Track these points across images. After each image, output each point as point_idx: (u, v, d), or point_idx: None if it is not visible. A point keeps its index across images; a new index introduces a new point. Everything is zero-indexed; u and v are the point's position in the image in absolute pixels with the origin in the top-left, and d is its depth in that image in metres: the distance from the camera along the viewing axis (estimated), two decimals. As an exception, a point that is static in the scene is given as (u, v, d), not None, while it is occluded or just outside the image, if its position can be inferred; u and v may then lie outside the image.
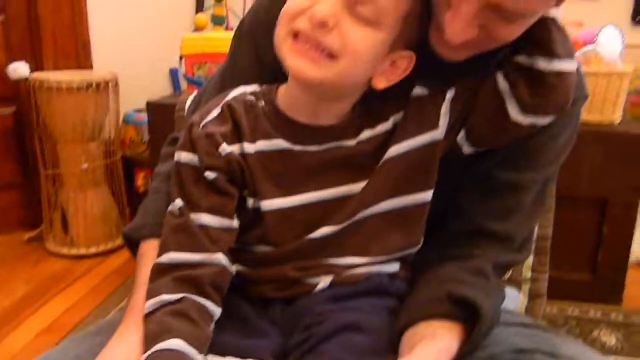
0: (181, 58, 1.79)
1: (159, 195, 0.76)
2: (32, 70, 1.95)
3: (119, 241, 2.07)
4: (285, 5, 0.63)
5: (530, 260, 1.24)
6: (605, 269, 1.61)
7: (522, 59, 0.65)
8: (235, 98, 0.71)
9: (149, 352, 0.59)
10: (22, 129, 2.11)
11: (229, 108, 0.69)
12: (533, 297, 1.25)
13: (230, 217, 0.67)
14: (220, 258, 0.66)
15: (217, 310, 0.66)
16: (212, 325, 0.65)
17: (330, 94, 0.67)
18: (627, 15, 2.01)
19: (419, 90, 0.70)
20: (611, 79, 1.46)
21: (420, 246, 0.72)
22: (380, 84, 0.67)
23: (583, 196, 1.52)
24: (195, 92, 1.55)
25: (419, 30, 0.66)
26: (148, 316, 0.63)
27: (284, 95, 0.70)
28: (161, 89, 2.33)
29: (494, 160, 0.74)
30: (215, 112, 0.70)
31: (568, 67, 0.64)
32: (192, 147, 0.68)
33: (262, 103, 0.70)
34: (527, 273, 1.26)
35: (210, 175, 0.66)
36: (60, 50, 2.08)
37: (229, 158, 0.66)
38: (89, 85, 1.85)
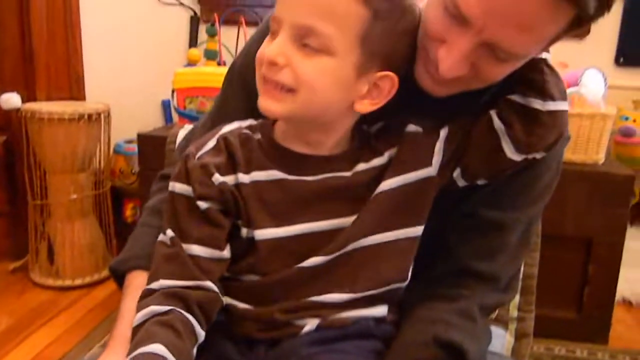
0: (173, 91, 1.81)
1: (147, 228, 0.78)
2: (24, 100, 1.96)
3: (105, 272, 2.05)
4: (257, 55, 0.67)
5: (516, 299, 1.24)
6: (591, 307, 1.62)
7: (516, 98, 0.67)
8: (230, 131, 0.73)
9: (131, 355, 0.60)
10: (12, 158, 2.11)
11: (224, 140, 0.71)
12: (519, 336, 1.25)
13: (221, 248, 0.68)
14: (210, 284, 0.67)
15: (201, 332, 0.66)
16: (195, 348, 0.65)
17: (312, 124, 0.69)
18: (610, 56, 2.06)
19: (412, 127, 0.72)
20: (594, 120, 1.50)
21: (407, 282, 0.73)
22: (364, 107, 0.68)
23: (568, 235, 1.54)
24: (186, 126, 1.57)
25: (397, 49, 0.67)
26: (136, 328, 0.64)
27: (279, 127, 0.72)
28: (152, 120, 2.34)
29: (479, 198, 0.76)
30: (211, 144, 0.71)
31: (561, 107, 0.67)
32: (186, 177, 0.69)
33: (258, 135, 0.72)
34: (514, 312, 1.26)
35: (202, 204, 0.67)
36: (53, 82, 2.10)
37: (221, 187, 0.67)
38: (81, 116, 1.86)
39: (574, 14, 0.59)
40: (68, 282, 1.97)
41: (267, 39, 0.66)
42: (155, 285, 0.66)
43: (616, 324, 1.76)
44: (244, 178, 0.69)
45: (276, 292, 0.70)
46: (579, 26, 0.61)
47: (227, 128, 0.74)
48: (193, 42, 2.24)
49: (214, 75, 1.76)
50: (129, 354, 0.60)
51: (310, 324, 0.69)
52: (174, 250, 0.67)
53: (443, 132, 0.72)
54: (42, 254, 2.00)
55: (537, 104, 0.66)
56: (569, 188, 1.47)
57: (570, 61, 1.70)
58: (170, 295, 0.65)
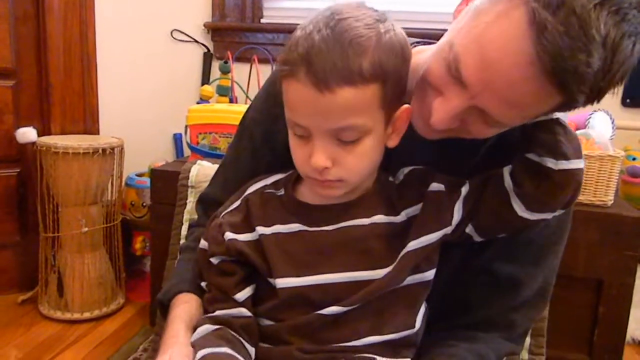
0: (186, 127, 1.84)
1: (183, 262, 0.89)
2: (39, 132, 1.99)
3: (113, 306, 2.05)
4: (292, 154, 0.71)
5: (527, 342, 1.24)
6: (601, 349, 1.60)
7: (531, 157, 0.69)
8: (254, 191, 0.79)
9: (202, 353, 0.66)
10: (25, 190, 2.13)
11: (246, 202, 0.78)
12: (530, 379, 1.25)
13: (231, 294, 0.74)
14: (245, 310, 0.73)
15: (251, 348, 0.72)
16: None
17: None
18: (617, 97, 2.09)
19: (435, 186, 0.74)
20: (603, 161, 1.51)
21: (415, 330, 0.73)
22: (393, 142, 0.72)
23: (578, 276, 1.53)
24: (199, 161, 1.60)
25: (405, 86, 0.70)
26: (194, 342, 0.71)
27: (302, 183, 0.77)
28: (164, 153, 2.37)
29: (495, 251, 0.77)
30: (235, 205, 0.79)
31: (576, 165, 0.68)
32: (206, 235, 0.78)
33: (282, 191, 0.76)
34: (524, 355, 1.26)
35: (214, 260, 0.76)
36: (68, 115, 2.13)
37: (229, 245, 0.74)
38: (95, 151, 1.89)
39: (561, 100, 0.61)
40: (77, 315, 1.97)
41: (298, 141, 0.69)
42: (204, 316, 0.75)
43: (627, 365, 1.74)
44: (265, 230, 0.74)
45: (292, 336, 0.71)
46: (566, 110, 0.64)
47: (252, 188, 0.80)
48: (206, 78, 2.28)
49: (227, 112, 1.79)
50: (195, 354, 0.67)
51: None
52: (210, 294, 0.77)
53: (464, 190, 0.73)
54: (52, 286, 2.01)
55: (550, 162, 0.67)
56: (579, 229, 1.48)
57: (577, 102, 1.72)
58: (217, 321, 0.72)
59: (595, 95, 0.60)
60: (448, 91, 0.65)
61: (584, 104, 0.62)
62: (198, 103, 2.02)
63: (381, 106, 0.67)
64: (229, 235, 0.74)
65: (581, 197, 1.55)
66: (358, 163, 0.68)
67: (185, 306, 0.78)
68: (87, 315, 1.98)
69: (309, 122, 0.66)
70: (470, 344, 0.75)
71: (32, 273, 2.10)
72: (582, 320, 1.59)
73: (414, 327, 0.73)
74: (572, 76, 0.56)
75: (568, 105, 0.62)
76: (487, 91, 0.61)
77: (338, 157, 0.67)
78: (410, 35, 0.71)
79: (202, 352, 0.67)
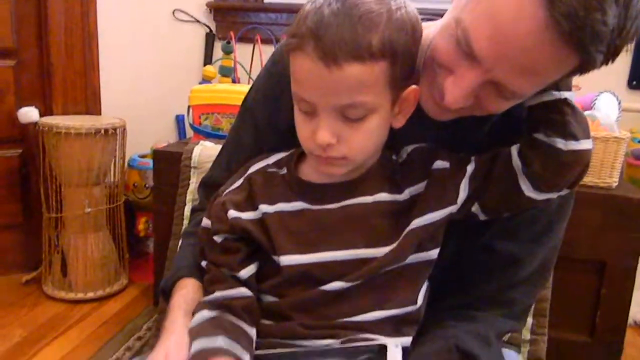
0: (189, 108, 1.83)
1: (184, 248, 0.88)
2: (41, 113, 1.99)
3: (117, 286, 2.07)
4: (297, 130, 0.71)
5: (529, 322, 1.24)
6: (603, 331, 1.61)
7: (540, 137, 0.68)
8: (257, 170, 0.79)
9: (197, 347, 0.66)
10: (27, 170, 2.13)
11: (248, 180, 0.78)
12: (532, 359, 1.25)
13: (235, 271, 0.74)
14: (245, 290, 0.73)
15: (251, 330, 0.71)
16: (252, 344, 0.70)
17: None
18: (623, 79, 2.07)
19: (440, 164, 0.73)
20: (608, 143, 1.50)
21: (417, 306, 0.73)
22: (399, 122, 0.72)
23: (581, 258, 1.53)
24: (202, 142, 1.59)
25: (413, 67, 0.69)
26: (191, 329, 0.70)
27: (305, 162, 0.77)
28: (166, 135, 2.36)
29: (497, 229, 0.77)
30: (237, 184, 0.79)
31: (584, 146, 0.67)
32: (209, 213, 0.78)
33: (284, 170, 0.76)
34: (526, 335, 1.26)
35: (217, 238, 0.75)
36: (70, 96, 2.12)
37: (233, 222, 0.74)
38: (97, 131, 1.88)
39: (579, 62, 0.60)
40: (80, 295, 1.98)
41: (303, 117, 0.69)
42: (206, 298, 0.74)
43: (628, 347, 1.74)
44: (268, 209, 0.74)
45: (295, 312, 0.71)
46: (582, 73, 0.63)
47: (254, 167, 0.80)
48: (208, 59, 2.26)
49: (230, 92, 1.78)
50: (190, 344, 0.67)
51: (332, 343, 0.70)
52: (210, 274, 0.76)
53: (470, 168, 0.72)
54: (55, 266, 2.02)
55: (560, 143, 0.67)
56: (583, 211, 1.47)
57: (583, 84, 1.71)
58: (216, 305, 0.72)
59: (611, 54, 0.59)
60: (459, 68, 0.64)
61: (601, 65, 0.60)
62: (200, 84, 2.00)
63: (389, 85, 0.66)
64: (232, 213, 0.74)
65: (586, 179, 1.54)
66: (362, 141, 0.68)
67: (182, 292, 0.78)
68: (90, 295, 1.99)
69: (314, 97, 0.65)
70: (469, 323, 0.75)
71: (35, 253, 2.11)
72: (584, 302, 1.59)
73: (416, 303, 0.73)
74: (589, 36, 0.56)
75: (585, 67, 0.61)
76: (501, 63, 0.60)
77: (343, 134, 0.66)
78: (421, 13, 0.70)
79: (196, 345, 0.67)
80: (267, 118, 0.84)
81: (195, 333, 0.69)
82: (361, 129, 0.66)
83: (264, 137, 0.85)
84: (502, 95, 0.64)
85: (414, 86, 0.69)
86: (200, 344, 0.66)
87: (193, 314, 0.72)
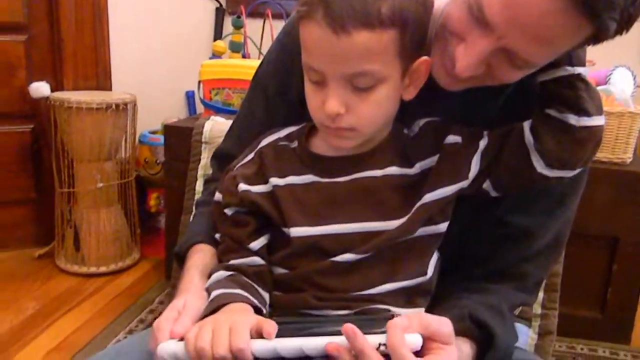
0: (199, 83, 1.82)
1: (198, 216, 0.89)
2: (52, 89, 1.99)
3: (129, 260, 2.09)
4: (307, 101, 0.71)
5: (540, 296, 1.24)
6: (614, 307, 1.61)
7: (552, 113, 0.67)
8: (267, 144, 0.79)
9: (216, 293, 0.67)
10: (39, 146, 2.15)
11: (259, 154, 0.78)
12: (543, 333, 1.25)
13: (244, 243, 0.75)
14: (258, 259, 0.74)
15: (265, 294, 0.72)
16: (265, 305, 0.71)
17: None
18: (637, 54, 2.04)
19: (452, 138, 0.72)
20: (622, 118, 1.48)
21: (428, 277, 0.74)
22: (410, 94, 0.71)
23: (593, 234, 1.53)
24: (212, 117, 1.59)
25: (424, 37, 0.68)
26: (207, 288, 0.71)
27: (316, 135, 0.76)
28: (176, 111, 2.36)
29: (509, 203, 0.76)
30: (248, 158, 0.79)
31: (597, 122, 0.66)
32: (220, 187, 0.79)
33: (295, 144, 0.76)
34: (537, 309, 1.26)
35: (228, 211, 0.76)
36: (80, 71, 2.12)
37: (242, 196, 0.74)
38: (108, 106, 1.89)
39: (592, 31, 0.59)
40: (93, 269, 2.01)
41: (313, 88, 0.68)
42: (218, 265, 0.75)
43: (638, 323, 1.75)
44: (279, 182, 0.74)
45: (306, 283, 0.72)
46: (595, 43, 0.62)
47: (265, 141, 0.80)
48: (218, 34, 2.25)
49: (241, 67, 1.77)
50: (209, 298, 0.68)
51: (346, 313, 0.70)
52: (223, 245, 0.77)
53: (483, 143, 0.72)
54: (68, 240, 2.04)
55: (572, 119, 0.66)
56: (596, 187, 1.46)
57: (597, 59, 1.69)
58: (230, 268, 0.73)
59: (625, 22, 0.58)
60: (471, 35, 0.63)
61: (614, 34, 0.59)
62: (210, 59, 1.99)
63: (398, 54, 0.65)
64: (242, 186, 0.75)
65: (599, 155, 1.53)
66: (371, 111, 0.67)
67: (200, 255, 0.79)
68: (103, 269, 2.02)
69: (323, 65, 0.65)
70: (482, 295, 0.75)
71: (48, 228, 2.13)
72: (595, 278, 1.59)
73: (426, 274, 0.73)
74: (602, 2, 0.55)
75: (598, 36, 0.60)
76: (514, 30, 0.59)
77: (352, 104, 0.66)
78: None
79: (215, 292, 0.68)
80: (278, 89, 0.84)
81: (213, 287, 0.70)
82: (370, 99, 0.66)
83: (274, 109, 0.85)
84: (514, 63, 0.64)
85: (425, 57, 0.68)
86: (219, 291, 0.68)
87: (209, 275, 0.73)
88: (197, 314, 0.67)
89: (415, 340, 0.58)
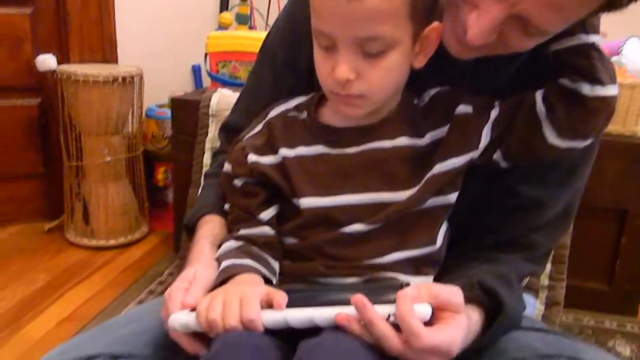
0: (206, 55, 1.81)
1: (207, 188, 0.89)
2: (58, 62, 1.98)
3: (138, 234, 2.10)
4: (316, 68, 0.69)
5: (547, 268, 1.24)
6: (621, 279, 1.61)
7: (565, 82, 0.66)
8: (276, 115, 0.79)
9: (225, 264, 0.68)
10: (46, 119, 2.15)
11: (268, 125, 0.77)
12: (550, 304, 1.26)
13: (254, 214, 0.74)
14: (267, 229, 0.74)
15: (275, 263, 0.72)
16: (275, 274, 0.72)
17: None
18: (651, 26, 2.00)
19: (462, 108, 0.71)
20: (634, 90, 1.46)
21: (436, 247, 0.74)
22: (420, 62, 0.70)
23: (603, 206, 1.52)
24: (219, 89, 1.59)
25: (432, 0, 0.67)
26: (217, 258, 0.71)
27: (325, 105, 0.76)
28: (182, 85, 2.35)
29: (520, 174, 0.76)
30: (257, 129, 0.78)
31: (610, 92, 0.65)
32: (229, 158, 0.78)
33: (304, 114, 0.76)
34: (545, 280, 1.26)
35: (237, 182, 0.76)
36: (86, 44, 2.11)
37: (252, 167, 0.74)
38: (115, 79, 1.88)
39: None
40: (102, 242, 2.03)
41: (323, 54, 0.67)
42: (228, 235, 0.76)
43: (646, 296, 1.75)
44: (288, 153, 0.73)
45: (316, 253, 0.72)
46: (609, 10, 0.60)
47: (274, 112, 0.79)
48: (224, 5, 2.23)
49: (247, 39, 1.75)
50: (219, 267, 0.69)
51: (354, 281, 0.70)
52: (233, 215, 0.77)
53: (494, 113, 0.71)
54: (77, 214, 2.05)
55: (586, 89, 0.64)
56: (606, 159, 1.45)
57: (610, 30, 1.66)
58: (240, 239, 0.73)
59: None
60: (484, 2, 0.62)
61: (628, 2, 0.58)
62: (216, 31, 1.98)
63: (410, 18, 0.64)
64: (251, 157, 0.74)
65: (610, 127, 1.51)
66: (382, 78, 0.66)
67: (209, 225, 0.79)
68: (112, 242, 2.03)
69: (333, 29, 0.64)
70: (491, 265, 0.75)
71: (57, 202, 2.14)
72: (604, 251, 1.59)
73: (435, 243, 0.73)
74: None
75: (613, 2, 0.59)
76: None
77: (362, 69, 0.65)
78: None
79: (225, 263, 0.68)
80: (287, 59, 0.83)
81: (223, 257, 0.70)
82: (381, 64, 0.65)
83: (283, 80, 0.84)
84: (526, 31, 0.62)
85: (436, 23, 0.67)
86: (229, 262, 0.68)
87: (219, 246, 0.73)
88: (208, 284, 0.67)
89: (425, 310, 0.58)
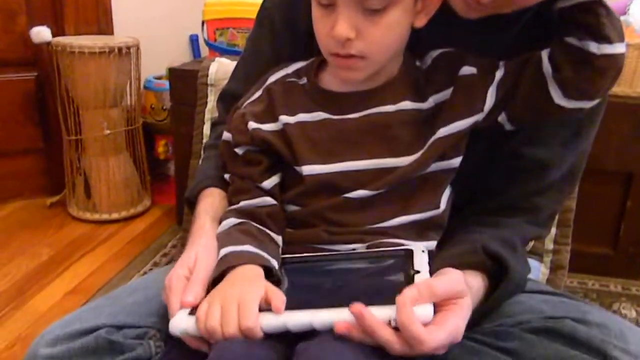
0: (203, 23, 1.78)
1: (206, 160, 0.88)
2: (53, 35, 1.95)
3: (140, 207, 2.10)
4: (315, 28, 0.68)
5: (552, 231, 1.24)
6: (626, 243, 1.61)
7: (571, 41, 0.64)
8: (275, 81, 0.77)
9: (224, 252, 0.67)
10: (43, 93, 2.12)
11: (267, 91, 0.76)
12: (554, 268, 1.25)
13: (258, 182, 0.74)
14: (269, 199, 0.73)
15: (277, 237, 0.72)
16: (279, 249, 0.71)
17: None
18: (658, -16, 1.96)
19: (467, 70, 0.69)
20: (642, 50, 1.43)
21: (440, 211, 0.73)
22: (421, 21, 0.68)
23: (608, 170, 1.51)
24: (217, 59, 1.56)
25: None
26: (219, 234, 0.71)
27: (325, 70, 0.74)
28: (180, 56, 2.32)
29: (524, 135, 0.74)
30: (256, 95, 0.77)
31: (618, 50, 0.63)
32: (229, 126, 0.77)
33: (304, 80, 0.75)
34: (549, 245, 1.26)
35: (239, 150, 0.75)
36: (81, 15, 2.07)
37: (253, 134, 0.73)
38: (111, 50, 1.85)
39: None
40: (105, 216, 2.03)
41: (322, 12, 0.66)
42: (230, 208, 0.75)
43: (651, 260, 1.75)
44: (289, 120, 0.72)
45: (319, 219, 0.71)
46: None
47: (273, 78, 0.78)
48: (221, -27, 2.18)
49: (245, 5, 1.72)
50: (219, 249, 0.68)
51: (357, 247, 0.70)
52: (234, 185, 0.76)
53: (499, 74, 0.69)
54: (79, 188, 2.05)
55: (593, 47, 0.62)
56: (612, 122, 1.42)
57: (616, -11, 1.62)
58: (241, 212, 0.72)
59: None
60: None
61: None
62: (213, -1, 1.94)
63: None
64: (252, 124, 0.73)
65: (617, 89, 1.49)
66: (382, 36, 0.65)
67: (209, 199, 0.79)
68: (115, 216, 2.03)
69: None
70: (495, 229, 0.74)
71: (58, 176, 2.14)
72: (609, 215, 1.58)
73: (438, 207, 0.72)
74: None
75: None
76: None
77: (362, 28, 0.64)
78: None
79: (224, 250, 0.67)
80: (285, 22, 0.81)
81: (223, 239, 0.69)
82: (381, 22, 0.64)
83: (282, 44, 0.82)
84: None
85: None
86: (228, 249, 0.67)
87: (220, 221, 0.72)
88: (207, 274, 0.66)
89: (426, 312, 0.56)
